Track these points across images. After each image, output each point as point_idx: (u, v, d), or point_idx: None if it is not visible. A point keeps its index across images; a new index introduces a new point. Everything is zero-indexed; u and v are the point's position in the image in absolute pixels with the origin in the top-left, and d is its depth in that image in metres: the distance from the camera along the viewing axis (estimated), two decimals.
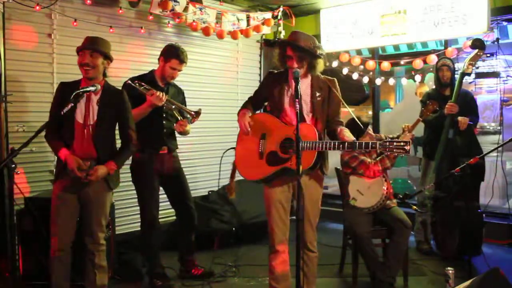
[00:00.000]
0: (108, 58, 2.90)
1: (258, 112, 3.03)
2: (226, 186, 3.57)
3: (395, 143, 2.43)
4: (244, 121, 2.81)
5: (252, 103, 2.98)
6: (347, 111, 3.16)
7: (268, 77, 2.95)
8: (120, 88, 3.17)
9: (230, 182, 3.13)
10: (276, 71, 2.94)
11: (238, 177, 3.03)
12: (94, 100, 2.89)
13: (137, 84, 3.30)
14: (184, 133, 3.54)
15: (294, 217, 2.89)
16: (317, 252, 2.89)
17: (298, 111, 2.42)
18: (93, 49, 2.82)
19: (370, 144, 2.53)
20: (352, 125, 3.32)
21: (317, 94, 2.76)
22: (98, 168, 2.81)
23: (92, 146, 2.85)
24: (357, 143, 2.56)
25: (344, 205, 3.65)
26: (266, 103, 3.02)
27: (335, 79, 2.87)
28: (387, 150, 2.46)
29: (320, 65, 2.79)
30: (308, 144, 2.59)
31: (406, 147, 2.40)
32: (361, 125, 3.31)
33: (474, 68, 3.99)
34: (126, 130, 2.99)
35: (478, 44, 3.86)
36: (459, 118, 3.89)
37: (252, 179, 2.85)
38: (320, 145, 2.60)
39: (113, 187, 2.98)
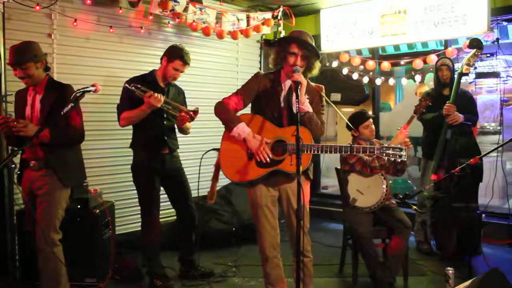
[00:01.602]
0: (41, 57, 2.84)
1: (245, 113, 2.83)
2: (222, 189, 3.45)
3: (391, 149, 2.46)
4: (265, 149, 2.58)
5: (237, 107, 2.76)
6: (347, 111, 3.16)
7: (257, 78, 2.78)
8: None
9: (212, 185, 2.99)
10: (263, 72, 2.83)
11: (223, 180, 2.90)
12: (38, 98, 2.87)
13: (133, 88, 3.28)
14: (184, 130, 3.54)
15: (283, 221, 2.89)
16: (312, 257, 2.82)
17: (298, 111, 2.37)
18: (19, 64, 2.76)
19: (368, 149, 2.55)
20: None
21: (306, 96, 2.68)
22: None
23: (37, 145, 2.82)
24: (355, 148, 2.55)
25: (344, 205, 3.65)
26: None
27: (323, 86, 2.81)
28: (384, 155, 2.48)
29: (317, 68, 2.74)
30: (305, 147, 2.52)
31: (402, 153, 2.45)
32: (355, 128, 3.38)
33: (472, 68, 3.99)
34: (67, 123, 2.88)
35: (475, 43, 3.87)
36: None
37: (239, 181, 2.70)
38: (318, 148, 2.54)
39: (67, 184, 2.90)
